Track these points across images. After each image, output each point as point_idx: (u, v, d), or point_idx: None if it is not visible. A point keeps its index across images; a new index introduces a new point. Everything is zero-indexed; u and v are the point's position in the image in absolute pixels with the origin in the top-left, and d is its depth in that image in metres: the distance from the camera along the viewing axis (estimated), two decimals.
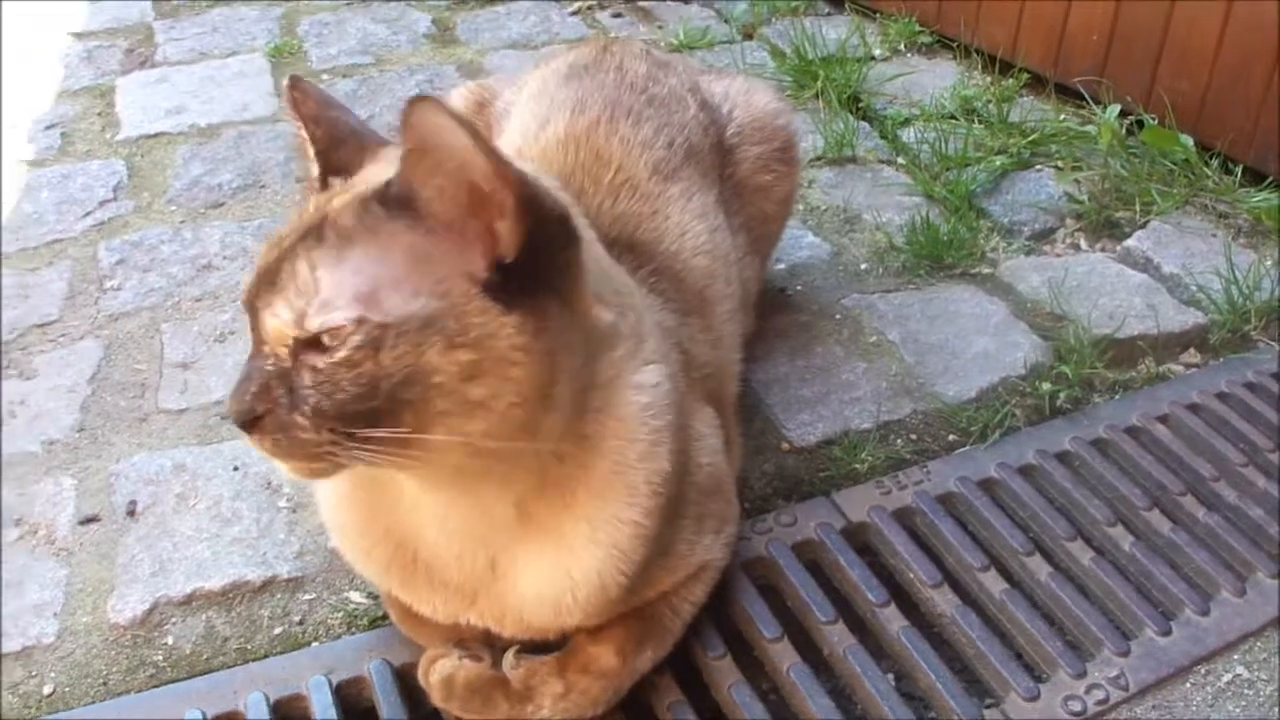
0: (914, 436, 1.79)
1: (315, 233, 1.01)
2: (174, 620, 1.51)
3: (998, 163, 2.50)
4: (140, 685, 1.44)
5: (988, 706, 1.39)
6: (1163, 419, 1.80)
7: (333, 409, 0.99)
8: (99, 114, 2.92)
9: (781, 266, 2.19)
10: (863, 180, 2.50)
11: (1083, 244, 2.31)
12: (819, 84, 2.81)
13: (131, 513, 1.68)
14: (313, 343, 0.99)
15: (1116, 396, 1.88)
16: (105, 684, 1.45)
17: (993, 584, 1.52)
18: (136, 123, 2.85)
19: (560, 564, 1.20)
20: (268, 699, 1.38)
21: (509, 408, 1.03)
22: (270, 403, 1.00)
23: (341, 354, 0.98)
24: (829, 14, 3.32)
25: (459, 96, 1.86)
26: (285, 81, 1.16)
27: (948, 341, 1.98)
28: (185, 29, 3.34)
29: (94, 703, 1.43)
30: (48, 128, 2.85)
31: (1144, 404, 1.83)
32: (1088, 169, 2.50)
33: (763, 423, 1.81)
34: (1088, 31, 2.68)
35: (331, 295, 0.99)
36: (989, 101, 2.75)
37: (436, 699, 1.33)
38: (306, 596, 1.54)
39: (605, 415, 1.16)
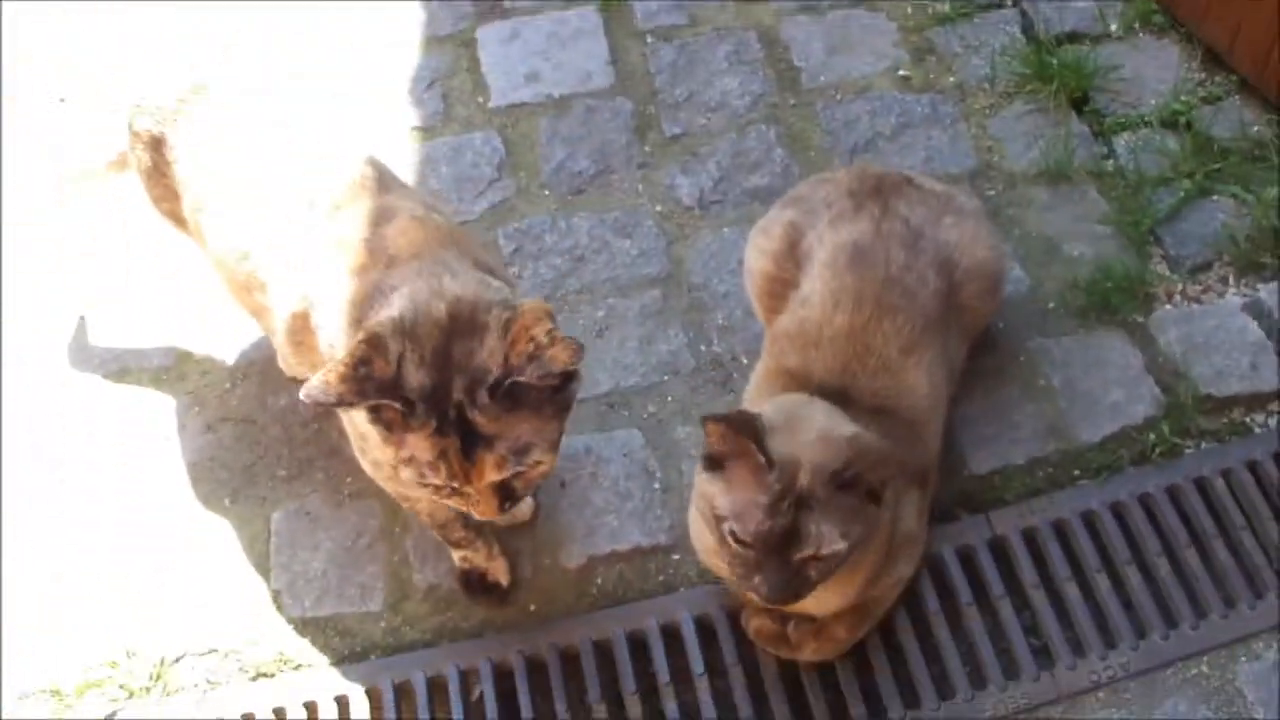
0: (1051, 469, 2.80)
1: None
2: (600, 569, 2.68)
3: (1183, 189, 3.13)
4: (584, 609, 2.61)
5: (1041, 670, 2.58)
6: (1225, 474, 2.77)
7: None
8: (467, 69, 3.65)
9: None
10: (1070, 203, 3.17)
11: (1231, 281, 3.02)
12: (1054, 84, 3.46)
13: (563, 484, 2.76)
14: None
15: (1203, 445, 2.81)
16: (563, 606, 2.65)
17: (1069, 590, 2.66)
18: (502, 90, 3.59)
19: None
20: (658, 622, 2.67)
21: None
22: None
23: None
24: None
25: (778, 237, 2.68)
26: None
27: (1094, 390, 2.86)
28: None
29: (556, 619, 2.59)
30: (428, 86, 3.58)
31: (1216, 460, 2.79)
32: (1260, 203, 3.04)
33: (956, 455, 2.77)
34: None
35: None
36: (1194, 107, 3.38)
37: (750, 633, 2.63)
38: (675, 558, 2.71)
39: None
